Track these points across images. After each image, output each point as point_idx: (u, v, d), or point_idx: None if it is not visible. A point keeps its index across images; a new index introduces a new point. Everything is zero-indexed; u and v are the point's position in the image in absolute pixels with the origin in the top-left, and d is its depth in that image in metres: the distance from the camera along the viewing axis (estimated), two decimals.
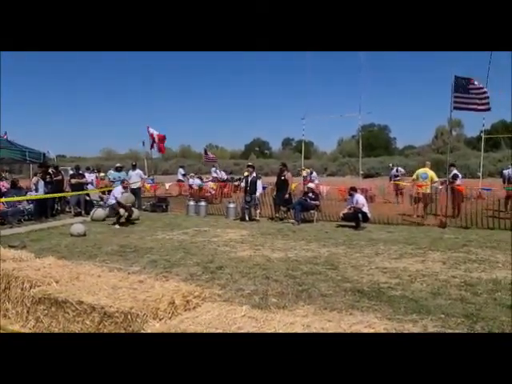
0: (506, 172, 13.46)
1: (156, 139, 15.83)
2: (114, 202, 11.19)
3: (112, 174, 16.60)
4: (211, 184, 16.20)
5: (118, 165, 16.10)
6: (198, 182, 17.25)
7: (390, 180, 17.76)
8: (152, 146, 16.38)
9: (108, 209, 11.86)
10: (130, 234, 9.39)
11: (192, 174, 19.39)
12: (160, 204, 14.35)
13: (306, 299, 4.74)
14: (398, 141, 75.34)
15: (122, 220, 10.86)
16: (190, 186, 16.68)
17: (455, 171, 12.40)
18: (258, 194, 11.83)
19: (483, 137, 16.43)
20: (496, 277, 5.53)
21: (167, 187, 17.94)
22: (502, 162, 38.59)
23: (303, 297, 4.83)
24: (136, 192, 14.79)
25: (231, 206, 12.53)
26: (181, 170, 21.40)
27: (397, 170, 17.61)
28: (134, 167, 15.52)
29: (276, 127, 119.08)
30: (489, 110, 11.22)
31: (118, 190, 11.32)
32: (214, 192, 15.87)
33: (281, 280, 5.52)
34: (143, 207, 14.25)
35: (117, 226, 10.53)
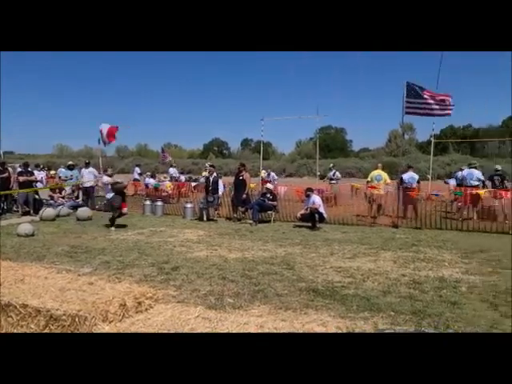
0: (458, 174, 14.00)
1: (105, 132, 15.34)
2: (111, 194, 10.13)
3: (63, 171, 16.00)
4: (168, 183, 15.93)
5: (69, 162, 15.55)
6: (152, 181, 16.93)
7: (326, 181, 17.87)
8: (104, 143, 15.88)
9: (104, 203, 11.45)
10: (81, 235, 9.07)
11: (148, 173, 19.01)
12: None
13: (261, 299, 4.76)
14: (354, 143, 77.47)
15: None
16: (146, 186, 16.34)
17: (410, 173, 12.82)
18: (220, 193, 11.77)
19: (433, 141, 17.12)
20: (442, 275, 5.78)
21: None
22: (450, 165, 40.59)
23: (259, 297, 4.85)
24: (89, 191, 14.33)
25: (188, 205, 12.39)
26: (137, 169, 20.94)
27: (333, 174, 17.70)
28: (87, 165, 15.03)
29: (235, 128, 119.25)
30: (449, 114, 11.60)
31: (105, 179, 10.71)
32: (171, 192, 15.63)
33: (237, 280, 5.51)
34: (97, 206, 13.81)
35: (113, 228, 9.77)
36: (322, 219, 10.39)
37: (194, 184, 16.11)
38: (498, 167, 12.96)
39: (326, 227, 10.34)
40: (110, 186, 10.31)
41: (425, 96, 11.02)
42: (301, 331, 2.60)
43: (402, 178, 12.30)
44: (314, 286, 5.28)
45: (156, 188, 15.84)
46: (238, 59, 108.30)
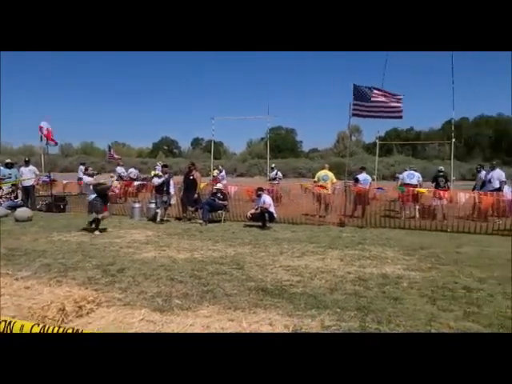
0: (400, 176, 14.62)
1: (44, 132, 14.61)
2: (93, 196, 9.30)
3: (1, 170, 15.07)
4: (115, 183, 15.42)
5: (7, 160, 14.66)
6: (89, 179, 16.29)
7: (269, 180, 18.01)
8: (46, 141, 15.12)
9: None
10: (20, 236, 8.58)
11: (95, 172, 18.28)
12: (57, 203, 13.33)
13: (210, 299, 4.71)
14: (304, 144, 78.94)
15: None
16: None
17: (364, 174, 13.25)
18: (172, 193, 11.56)
19: (378, 143, 17.83)
20: (385, 272, 6.00)
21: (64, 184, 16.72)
22: (394, 166, 42.41)
23: (208, 297, 4.79)
24: (29, 190, 13.61)
25: (136, 205, 12.07)
26: (81, 168, 20.13)
27: (276, 173, 17.91)
28: (26, 163, 14.27)
29: (185, 126, 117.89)
30: (400, 117, 11.99)
31: (87, 179, 9.72)
32: (118, 191, 15.15)
33: (186, 281, 5.43)
34: (38, 206, 13.13)
35: (98, 233, 9.06)
36: (272, 219, 10.49)
37: (137, 183, 15.66)
38: (442, 168, 13.68)
39: (276, 226, 10.44)
40: (91, 187, 9.41)
41: (374, 97, 11.34)
42: (247, 331, 2.58)
43: (357, 179, 12.69)
44: (263, 285, 5.30)
45: None
46: (188, 59, 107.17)
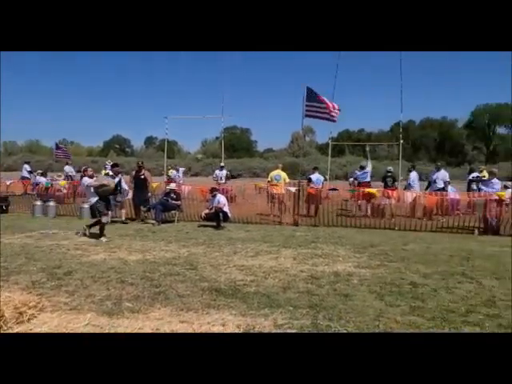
0: (354, 174, 15.02)
1: None
2: (95, 199, 8.66)
3: None
4: (62, 182, 14.80)
5: None
6: (43, 180, 15.57)
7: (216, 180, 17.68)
8: None
9: (89, 210, 9.62)
10: None
11: (39, 171, 17.45)
12: None
13: (162, 301, 4.62)
14: (259, 144, 79.45)
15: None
16: (37, 185, 15.01)
17: (316, 174, 13.50)
18: (127, 189, 11.23)
19: (330, 143, 18.26)
20: (337, 269, 6.14)
21: (8, 184, 15.85)
22: (346, 166, 43.51)
23: (160, 299, 4.69)
24: None
25: (86, 206, 11.63)
26: (26, 167, 19.20)
27: (223, 173, 17.54)
28: None
29: (138, 125, 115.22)
30: (334, 121, 12.35)
31: (87, 181, 8.98)
32: (65, 191, 14.54)
33: (137, 283, 5.29)
34: None
35: (104, 239, 8.25)
36: (226, 218, 10.45)
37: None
38: (390, 169, 14.19)
39: (231, 226, 10.41)
40: (92, 190, 8.69)
41: (322, 101, 11.63)
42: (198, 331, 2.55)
43: (310, 179, 12.89)
44: (216, 285, 5.27)
45: (47, 187, 14.60)
46: (140, 56, 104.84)
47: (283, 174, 12.63)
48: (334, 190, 12.69)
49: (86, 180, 9.06)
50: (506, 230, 9.70)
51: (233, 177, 18.54)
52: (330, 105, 11.82)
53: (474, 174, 13.24)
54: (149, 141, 76.29)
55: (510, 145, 62.41)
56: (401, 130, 17.10)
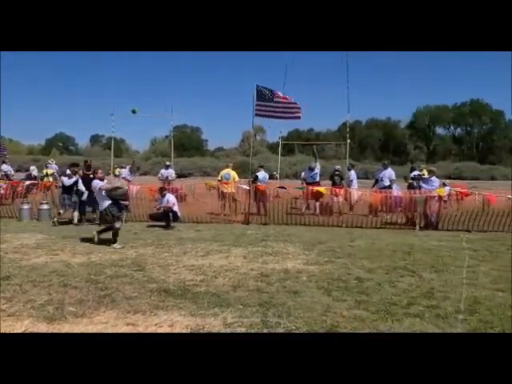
0: (302, 174, 15.24)
1: None
2: (107, 203, 7.95)
3: None
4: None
5: None
6: None
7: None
8: None
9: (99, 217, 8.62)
10: None
11: None
12: None
13: (108, 304, 4.47)
14: (210, 143, 78.97)
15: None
16: None
17: (262, 172, 13.58)
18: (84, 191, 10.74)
19: (280, 142, 18.49)
20: (286, 267, 6.22)
21: None
22: (296, 165, 44.28)
23: (105, 302, 4.54)
24: None
25: (25, 207, 11.05)
26: None
27: (166, 168, 17.20)
28: None
29: (83, 122, 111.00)
30: (298, 118, 12.51)
31: (99, 183, 8.11)
32: (3, 192, 13.71)
33: (81, 286, 5.08)
34: None
35: (117, 246, 7.65)
36: (176, 218, 10.29)
37: (28, 182, 14.32)
38: (338, 168, 14.57)
39: (180, 226, 10.27)
40: (104, 193, 7.99)
41: (275, 99, 11.72)
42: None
43: (256, 177, 12.95)
44: (165, 286, 5.17)
45: None
46: (88, 53, 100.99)
47: (232, 173, 12.64)
48: (283, 188, 12.84)
49: (98, 183, 8.25)
50: (445, 225, 10.27)
51: (183, 176, 18.23)
52: (291, 102, 11.93)
53: (415, 173, 13.86)
54: (94, 139, 73.68)
55: (448, 145, 66.20)
56: (348, 130, 17.57)
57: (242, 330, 3.80)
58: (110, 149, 19.09)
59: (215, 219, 11.51)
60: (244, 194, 11.95)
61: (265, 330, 3.77)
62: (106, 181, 8.48)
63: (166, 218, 10.09)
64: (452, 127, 70.51)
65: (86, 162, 11.69)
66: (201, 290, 5.03)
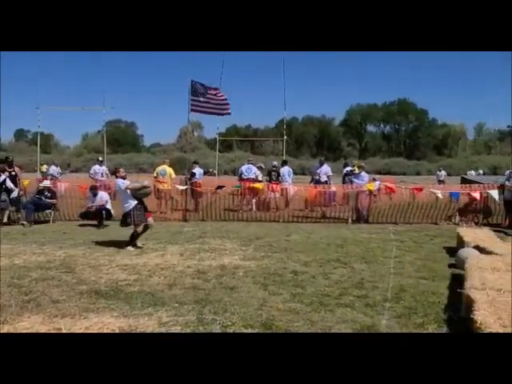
0: (241, 169, 15.24)
1: None
2: (134, 203, 7.22)
3: None
4: None
5: None
6: None
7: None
8: None
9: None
10: None
11: None
12: None
13: (33, 309, 4.20)
14: (146, 138, 76.93)
15: None
16: None
17: (198, 168, 13.45)
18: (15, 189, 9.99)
19: (218, 138, 18.42)
20: (223, 263, 6.21)
21: None
22: (234, 161, 44.38)
23: (30, 307, 4.26)
24: None
25: None
26: None
27: (100, 164, 16.57)
28: None
29: (5, 116, 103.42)
30: (228, 114, 12.51)
31: (124, 182, 7.32)
32: None
33: (2, 291, 4.73)
34: None
35: (131, 249, 7.12)
36: (109, 216, 9.90)
37: None
38: (275, 163, 14.77)
39: (114, 225, 9.87)
40: (129, 192, 7.29)
41: (208, 95, 11.63)
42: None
43: (193, 173, 12.80)
44: (96, 287, 4.96)
45: None
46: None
47: (169, 169, 12.41)
48: (221, 187, 12.79)
49: (123, 182, 7.44)
50: (375, 218, 10.79)
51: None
52: (222, 96, 11.90)
53: (348, 168, 14.41)
54: (19, 134, 69.01)
55: (378, 142, 69.64)
56: (284, 127, 17.96)
57: (178, 328, 3.73)
58: (36, 144, 17.94)
59: (152, 216, 11.19)
60: (181, 190, 11.76)
61: (200, 328, 3.74)
62: (127, 180, 7.77)
63: (98, 216, 9.68)
64: (382, 125, 74.24)
65: (7, 158, 10.87)
66: (134, 290, 4.88)
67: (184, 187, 11.52)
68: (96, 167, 15.27)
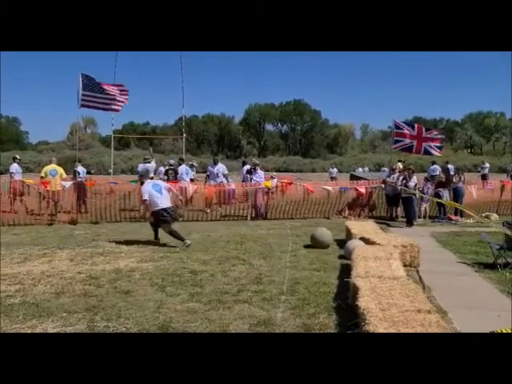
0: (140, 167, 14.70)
1: None
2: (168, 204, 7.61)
3: None
4: None
5: None
6: None
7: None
8: None
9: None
10: None
11: None
12: None
13: None
14: (31, 135, 70.50)
15: None
16: None
17: (81, 167, 12.71)
18: None
19: (112, 136, 17.56)
20: (118, 266, 5.93)
21: None
22: (132, 159, 42.60)
23: None
24: None
25: None
26: None
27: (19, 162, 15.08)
28: None
29: None
30: (118, 111, 11.97)
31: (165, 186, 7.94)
32: None
33: None
34: None
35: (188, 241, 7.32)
36: None
37: None
38: (172, 162, 14.50)
39: None
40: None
41: (100, 89, 11.01)
42: None
43: (78, 172, 12.05)
44: None
45: None
46: None
47: (59, 169, 11.46)
48: (114, 183, 12.21)
49: (165, 184, 7.87)
50: (273, 214, 11.15)
51: None
52: (117, 91, 11.33)
53: (247, 167, 14.69)
54: None
55: (276, 140, 72.20)
56: (184, 125, 17.71)
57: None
58: None
59: (37, 220, 10.28)
60: (70, 191, 10.98)
61: None
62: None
63: None
64: (279, 124, 76.94)
65: None
66: (16, 302, 4.44)
67: (70, 183, 10.76)
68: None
